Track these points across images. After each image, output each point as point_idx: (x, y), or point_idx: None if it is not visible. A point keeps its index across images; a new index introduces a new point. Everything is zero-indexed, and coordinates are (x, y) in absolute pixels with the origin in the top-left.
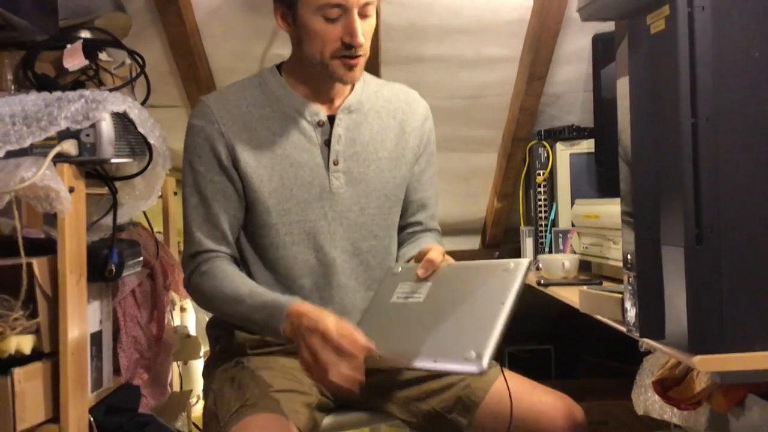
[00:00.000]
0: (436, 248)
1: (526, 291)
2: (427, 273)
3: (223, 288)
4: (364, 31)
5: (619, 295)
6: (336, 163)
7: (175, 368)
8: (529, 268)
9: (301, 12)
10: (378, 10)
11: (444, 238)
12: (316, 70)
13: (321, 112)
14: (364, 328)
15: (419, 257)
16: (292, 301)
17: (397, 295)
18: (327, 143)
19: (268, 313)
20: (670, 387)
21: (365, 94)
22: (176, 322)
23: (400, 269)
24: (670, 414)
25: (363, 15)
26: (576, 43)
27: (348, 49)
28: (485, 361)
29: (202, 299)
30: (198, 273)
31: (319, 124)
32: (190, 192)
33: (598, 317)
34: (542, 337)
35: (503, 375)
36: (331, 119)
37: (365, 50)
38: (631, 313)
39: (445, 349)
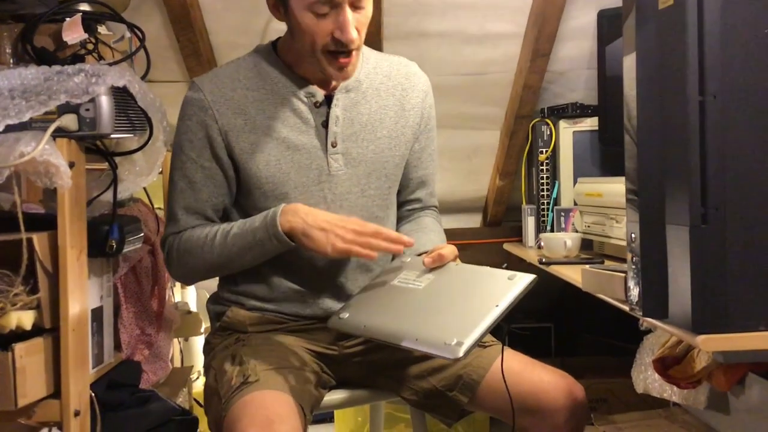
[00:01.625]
0: (449, 247)
1: (526, 269)
2: (433, 264)
3: (206, 233)
4: (357, 23)
5: (623, 274)
6: (334, 145)
7: (175, 344)
8: (533, 284)
9: (292, 4)
10: None
11: (445, 216)
12: (308, 61)
13: (318, 92)
14: (357, 300)
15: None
16: (280, 205)
17: (399, 279)
18: (324, 125)
19: (262, 224)
20: (670, 365)
21: (363, 71)
22: (177, 298)
23: (410, 259)
24: (669, 392)
25: (356, 6)
26: (581, 19)
27: (339, 45)
28: (463, 348)
29: (186, 257)
30: (177, 239)
31: (316, 105)
32: (179, 175)
33: (601, 296)
34: (542, 315)
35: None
36: (329, 99)
37: (359, 43)
38: (634, 292)
39: (429, 333)
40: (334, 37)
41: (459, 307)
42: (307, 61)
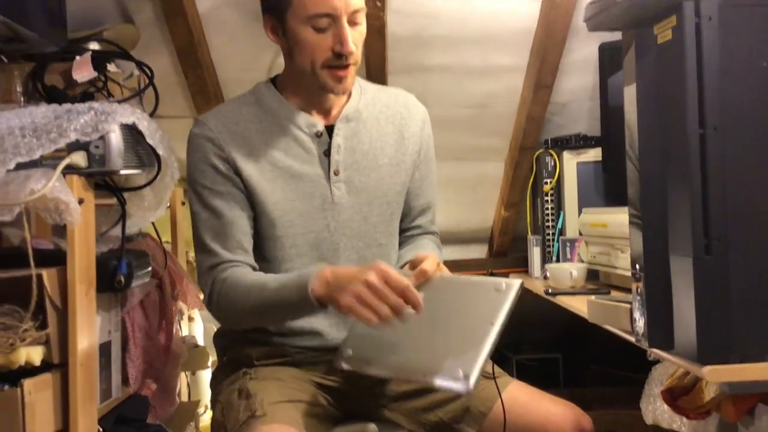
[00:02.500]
0: (430, 257)
1: (533, 299)
2: (418, 282)
3: (246, 282)
4: (354, 38)
5: (628, 305)
6: (337, 173)
7: (183, 378)
8: (519, 291)
9: (291, 23)
10: (384, 21)
11: (451, 247)
12: (308, 81)
13: (318, 123)
14: (355, 335)
15: (413, 264)
16: (314, 268)
17: None
18: (326, 153)
19: (296, 284)
20: (679, 396)
21: (362, 102)
22: (184, 332)
23: None
24: (679, 423)
25: (352, 23)
26: (582, 51)
27: (338, 58)
28: (472, 380)
29: (226, 305)
30: (219, 282)
31: (317, 135)
32: (199, 208)
33: (607, 327)
34: (550, 346)
35: (496, 387)
36: (330, 129)
37: (356, 58)
38: (640, 323)
39: (435, 366)
40: (334, 51)
41: (456, 332)
42: (306, 80)
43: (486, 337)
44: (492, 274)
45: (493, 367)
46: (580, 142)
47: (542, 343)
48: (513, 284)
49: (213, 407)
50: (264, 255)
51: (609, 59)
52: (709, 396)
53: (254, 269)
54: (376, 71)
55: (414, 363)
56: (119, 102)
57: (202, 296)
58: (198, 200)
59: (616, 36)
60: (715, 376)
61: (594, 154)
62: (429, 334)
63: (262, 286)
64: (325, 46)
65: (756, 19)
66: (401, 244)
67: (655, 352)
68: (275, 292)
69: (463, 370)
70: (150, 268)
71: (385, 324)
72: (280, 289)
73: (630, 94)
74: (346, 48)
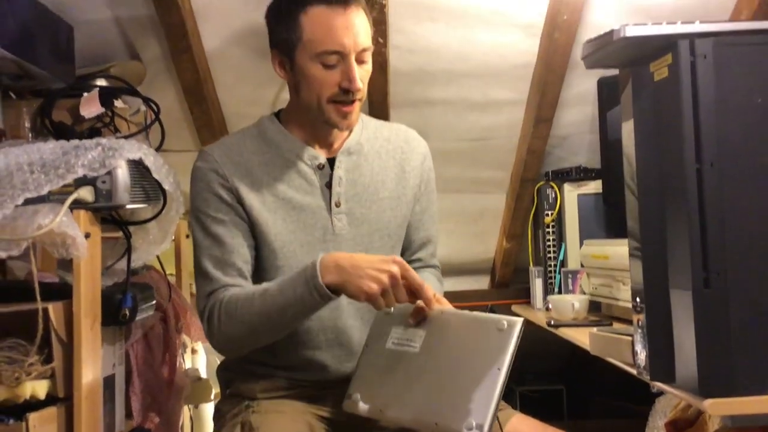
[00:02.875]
0: (427, 288)
1: (536, 331)
2: (418, 319)
3: (245, 294)
4: (361, 76)
5: (630, 338)
6: (338, 205)
7: (186, 411)
8: (522, 329)
9: (300, 59)
10: (386, 56)
11: (453, 278)
12: (313, 115)
13: (320, 155)
14: (362, 376)
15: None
16: (319, 255)
17: (392, 340)
18: (328, 185)
19: (302, 277)
20: (682, 428)
21: (364, 136)
22: (187, 364)
23: (392, 309)
24: None
25: (360, 61)
26: (581, 86)
27: (345, 94)
28: (485, 430)
29: (227, 323)
30: (217, 303)
31: (319, 167)
32: (201, 236)
33: (610, 360)
34: (554, 378)
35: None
36: (331, 162)
37: (362, 94)
38: (642, 355)
39: (446, 415)
40: (341, 86)
41: (464, 377)
42: (311, 114)
43: (496, 383)
44: (492, 310)
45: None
46: (581, 175)
47: (545, 375)
48: (515, 323)
49: None
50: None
51: (608, 93)
52: (713, 429)
53: None
54: (378, 105)
55: (423, 411)
56: (126, 137)
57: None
58: (200, 227)
59: (614, 70)
60: (717, 409)
61: (594, 186)
62: (436, 378)
63: (263, 290)
64: (333, 82)
65: (749, 57)
66: None
67: (657, 385)
68: (279, 292)
69: (476, 420)
70: (154, 301)
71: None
72: (283, 287)
73: (628, 130)
74: (354, 85)
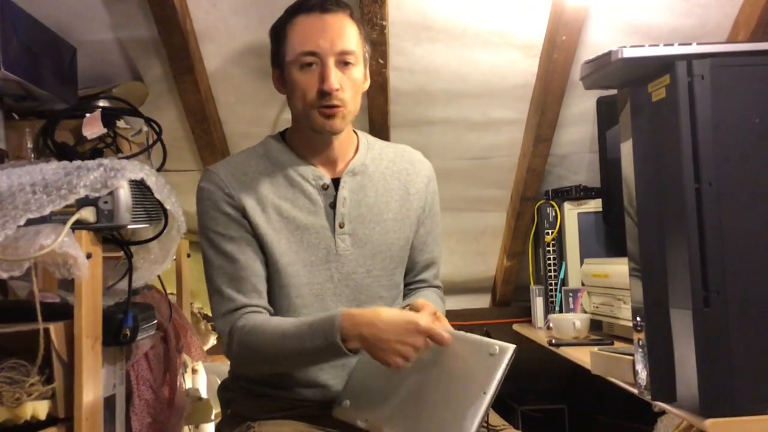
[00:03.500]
0: (427, 307)
1: (537, 350)
2: None
3: (266, 331)
4: (340, 80)
5: (630, 357)
6: (342, 226)
7: None
8: (513, 356)
9: (287, 68)
10: (386, 77)
11: (455, 296)
12: (303, 125)
13: (325, 175)
14: (355, 384)
15: (411, 309)
16: (339, 311)
17: None
18: (332, 206)
19: (320, 335)
20: None
21: (369, 156)
22: (188, 384)
23: None
24: None
25: (342, 63)
26: (581, 105)
27: (323, 97)
28: None
29: (246, 353)
30: (237, 329)
31: (324, 188)
32: (213, 255)
33: (611, 379)
34: (556, 397)
35: None
36: (336, 182)
37: (343, 100)
38: (642, 375)
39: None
40: (318, 89)
41: (451, 399)
42: (302, 124)
43: (480, 406)
44: (486, 333)
45: (487, 419)
46: (581, 193)
47: (547, 394)
48: (507, 349)
49: None
50: (271, 302)
51: (607, 113)
52: None
53: (270, 313)
54: (378, 125)
55: (407, 426)
56: (128, 158)
57: (213, 342)
58: (210, 246)
59: (613, 90)
60: (718, 429)
61: (594, 205)
62: (423, 395)
63: (282, 333)
64: (312, 86)
65: (747, 77)
66: (405, 296)
67: (659, 405)
68: (298, 339)
69: None
70: (155, 321)
71: None
72: (302, 335)
73: (627, 150)
74: (327, 84)
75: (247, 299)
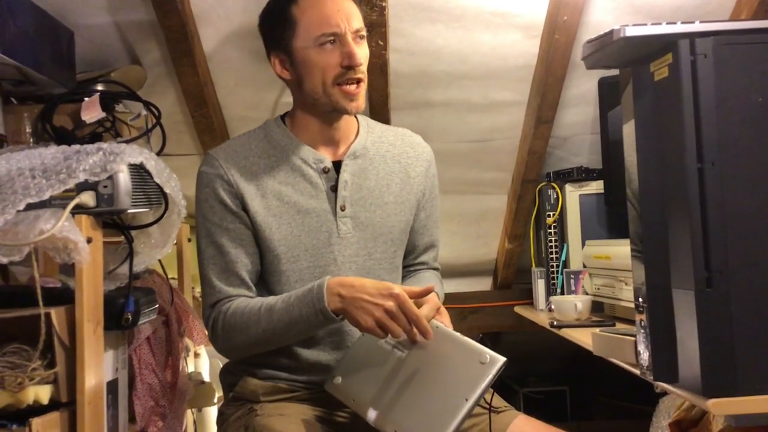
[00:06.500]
0: (431, 301)
1: (539, 332)
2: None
3: (250, 308)
4: (361, 55)
5: (632, 338)
6: (343, 209)
7: (189, 415)
8: (502, 368)
9: (298, 51)
10: (386, 59)
11: (456, 279)
12: (318, 111)
13: (326, 158)
14: (348, 363)
15: (417, 295)
16: (324, 279)
17: (386, 338)
18: (333, 189)
19: (307, 301)
20: (686, 428)
21: (370, 140)
22: (190, 368)
23: (390, 339)
24: None
25: (359, 38)
26: (582, 86)
27: (348, 72)
28: None
29: (232, 334)
30: (222, 314)
31: (325, 171)
32: (206, 243)
33: (613, 360)
34: (557, 378)
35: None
36: (337, 165)
37: (365, 74)
38: (645, 355)
39: (406, 425)
40: (343, 65)
41: (435, 396)
42: (318, 105)
43: (458, 413)
44: (481, 339)
45: (491, 400)
46: (582, 175)
47: (549, 376)
48: (496, 360)
49: None
50: (270, 289)
51: (608, 94)
52: (717, 428)
53: None
54: (379, 108)
55: (389, 413)
56: (127, 142)
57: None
58: (205, 235)
59: (615, 71)
60: (720, 409)
61: (596, 187)
62: (409, 388)
63: (269, 307)
64: (334, 63)
65: (750, 56)
66: (404, 278)
67: (661, 385)
68: (284, 310)
69: None
70: (157, 305)
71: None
72: (289, 306)
73: (629, 131)
74: (355, 60)
75: (235, 291)
